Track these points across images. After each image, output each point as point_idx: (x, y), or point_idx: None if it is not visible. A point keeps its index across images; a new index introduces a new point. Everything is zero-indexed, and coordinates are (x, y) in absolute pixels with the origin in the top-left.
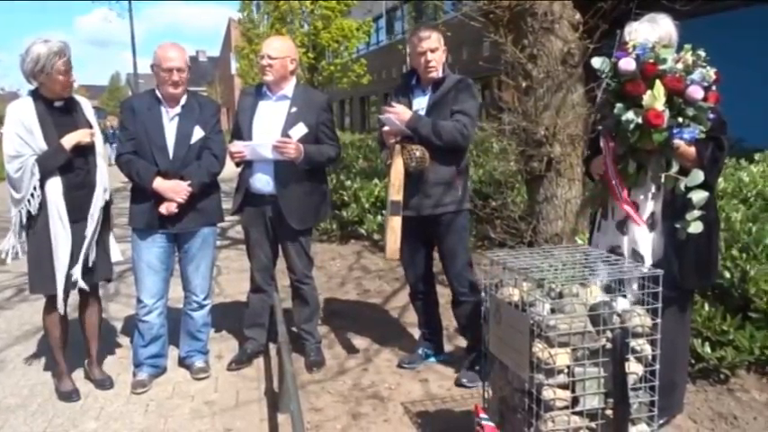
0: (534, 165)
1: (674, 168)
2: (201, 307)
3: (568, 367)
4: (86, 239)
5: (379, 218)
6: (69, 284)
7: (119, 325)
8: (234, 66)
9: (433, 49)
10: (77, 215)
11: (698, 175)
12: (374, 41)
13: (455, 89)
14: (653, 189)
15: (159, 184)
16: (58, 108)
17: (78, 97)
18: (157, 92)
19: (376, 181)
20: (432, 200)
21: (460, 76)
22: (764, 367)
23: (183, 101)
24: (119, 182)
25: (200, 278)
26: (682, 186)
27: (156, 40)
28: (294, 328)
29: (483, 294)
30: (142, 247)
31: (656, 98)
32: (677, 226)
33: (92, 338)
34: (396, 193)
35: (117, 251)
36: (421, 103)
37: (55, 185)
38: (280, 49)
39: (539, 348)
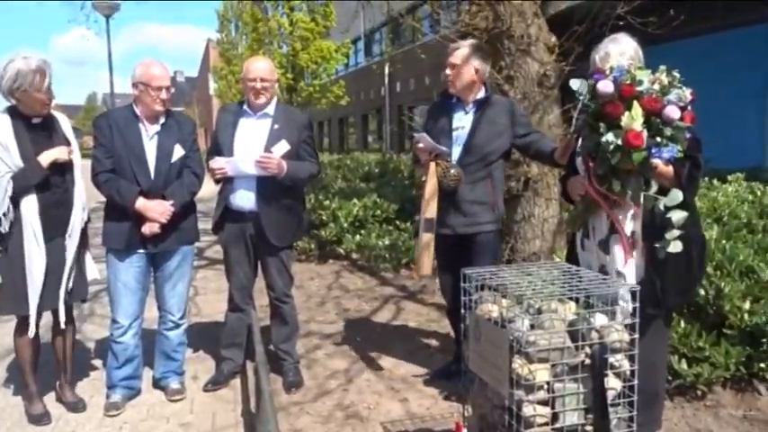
0: (512, 184)
1: (653, 188)
2: (177, 326)
3: (548, 383)
4: (67, 260)
5: (358, 237)
6: (43, 305)
7: (92, 346)
8: (212, 86)
9: (453, 64)
10: (53, 233)
11: (677, 195)
12: (353, 63)
13: (506, 111)
14: (632, 209)
15: (142, 204)
16: (35, 125)
17: (57, 114)
18: (136, 109)
19: (355, 200)
20: (468, 218)
21: (504, 97)
22: (740, 383)
23: (162, 119)
24: (95, 201)
25: (177, 297)
26: (661, 206)
27: (133, 60)
28: (272, 348)
29: (462, 311)
30: (119, 268)
31: (634, 119)
32: (657, 245)
33: (65, 360)
34: (429, 211)
35: (94, 270)
36: (462, 120)
37: (30, 203)
38: (271, 71)
39: (518, 364)
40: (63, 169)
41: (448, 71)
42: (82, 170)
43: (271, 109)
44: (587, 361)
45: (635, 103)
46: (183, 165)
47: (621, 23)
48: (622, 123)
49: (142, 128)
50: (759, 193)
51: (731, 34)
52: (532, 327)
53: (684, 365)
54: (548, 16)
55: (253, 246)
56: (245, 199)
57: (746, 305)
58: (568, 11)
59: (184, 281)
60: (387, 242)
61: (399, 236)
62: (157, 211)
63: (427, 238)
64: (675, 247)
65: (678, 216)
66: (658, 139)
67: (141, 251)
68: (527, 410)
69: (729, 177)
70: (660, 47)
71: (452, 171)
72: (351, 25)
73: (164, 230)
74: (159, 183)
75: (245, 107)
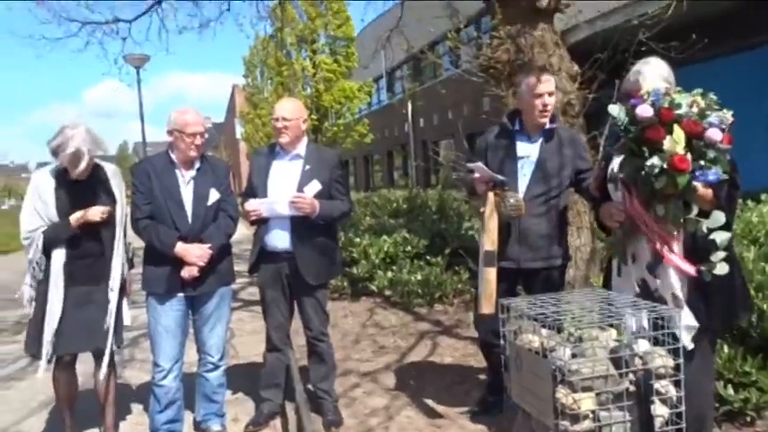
0: None
1: (694, 211)
2: (217, 368)
3: (593, 412)
4: (109, 309)
5: (389, 273)
6: (59, 348)
7: (133, 390)
8: (239, 130)
9: (551, 92)
10: (81, 282)
11: (719, 217)
12: (376, 101)
13: (573, 143)
14: (674, 233)
15: (181, 248)
16: (78, 182)
17: (107, 166)
18: (172, 155)
19: (385, 237)
20: (535, 252)
21: (568, 128)
22: None
23: (197, 164)
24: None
25: (216, 338)
26: (704, 228)
27: (163, 108)
28: (311, 387)
29: (502, 342)
30: (160, 312)
31: (676, 142)
32: (702, 269)
33: (107, 405)
34: (490, 244)
35: (128, 317)
36: (527, 150)
37: (59, 255)
38: (293, 110)
39: (562, 394)
40: (97, 224)
41: (547, 99)
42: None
43: (302, 149)
44: (632, 388)
45: (675, 126)
46: (218, 208)
47: (644, 49)
48: (665, 147)
49: (179, 173)
50: None
51: (754, 53)
52: (574, 355)
53: (731, 391)
54: (568, 45)
55: (289, 285)
56: (280, 239)
57: None
58: (589, 39)
59: (222, 322)
60: (419, 277)
61: (431, 271)
62: (196, 254)
63: (489, 272)
64: (722, 269)
65: (722, 237)
66: (702, 162)
67: (181, 294)
68: None
69: (762, 197)
70: (681, 69)
71: (512, 200)
72: (370, 63)
73: (202, 273)
74: (197, 226)
75: (277, 149)
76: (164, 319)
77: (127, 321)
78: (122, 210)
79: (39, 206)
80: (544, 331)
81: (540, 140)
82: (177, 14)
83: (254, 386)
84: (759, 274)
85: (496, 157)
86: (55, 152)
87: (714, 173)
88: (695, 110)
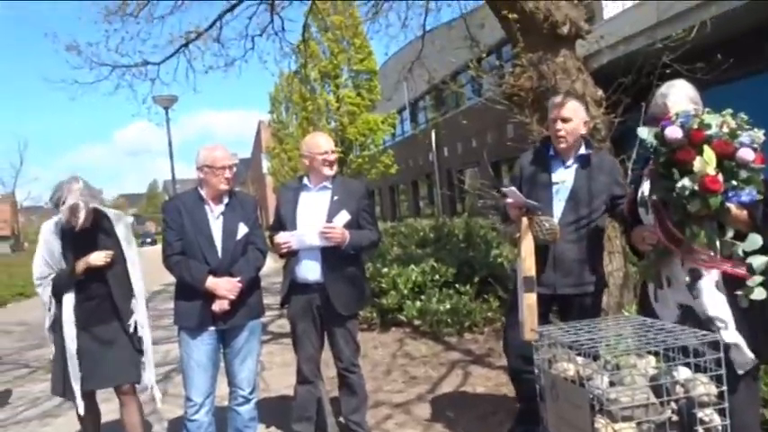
0: None
1: (730, 234)
2: (248, 401)
3: None
4: (145, 347)
5: (418, 303)
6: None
7: (165, 426)
8: (265, 165)
9: (564, 118)
10: (91, 321)
11: (756, 240)
12: (399, 132)
13: (608, 169)
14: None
15: (212, 282)
16: (82, 230)
17: (113, 213)
18: (201, 192)
19: (412, 266)
20: (571, 278)
21: (606, 153)
22: None
23: (225, 199)
24: (158, 284)
25: (247, 371)
26: (740, 252)
27: (190, 146)
28: (342, 420)
29: (536, 371)
30: (192, 346)
31: (707, 163)
32: (738, 293)
33: None
34: (528, 269)
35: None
36: (562, 176)
37: (69, 299)
38: (332, 143)
39: (601, 424)
40: (103, 267)
41: (560, 125)
42: (141, 258)
43: (329, 181)
44: (675, 417)
45: (705, 147)
46: (247, 241)
47: (668, 71)
48: (695, 168)
49: (208, 209)
50: None
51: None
52: (612, 384)
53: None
54: (591, 71)
55: (320, 317)
56: (310, 271)
57: None
58: (612, 63)
59: (253, 355)
60: (448, 306)
61: (460, 299)
62: (226, 288)
63: (529, 297)
64: (760, 294)
65: (759, 261)
66: (734, 182)
67: (212, 328)
68: None
69: None
70: (710, 90)
71: (547, 225)
72: (393, 95)
73: (232, 307)
74: (226, 261)
75: (305, 182)
76: (195, 353)
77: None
78: (132, 251)
79: (47, 255)
80: (580, 359)
81: (576, 166)
82: (204, 55)
83: (285, 419)
84: None
85: (531, 183)
86: (56, 205)
87: (748, 193)
88: (726, 130)
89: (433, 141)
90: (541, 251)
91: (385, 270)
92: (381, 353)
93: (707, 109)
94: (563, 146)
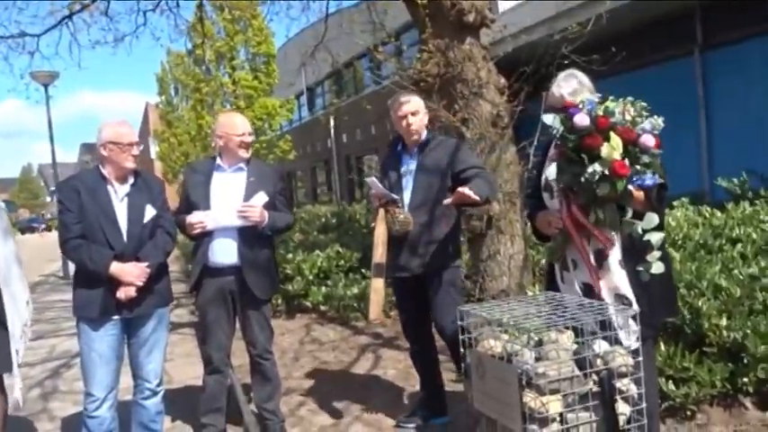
0: (475, 223)
1: (629, 214)
2: (155, 394)
3: (561, 414)
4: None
5: (324, 289)
6: None
7: (58, 424)
8: (153, 150)
9: (413, 112)
10: None
11: (653, 218)
12: (297, 117)
13: (448, 150)
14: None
15: (117, 268)
16: None
17: None
18: (103, 171)
19: (318, 252)
20: (423, 259)
21: (449, 137)
22: (726, 400)
23: (131, 179)
24: (38, 275)
25: (154, 363)
26: (639, 230)
27: (71, 129)
28: (254, 409)
29: (462, 350)
30: (93, 338)
31: (614, 149)
32: (639, 269)
33: None
34: (379, 256)
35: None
36: (409, 164)
37: None
38: (249, 126)
39: (530, 398)
40: None
41: (411, 119)
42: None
43: (244, 163)
44: (595, 388)
45: (611, 133)
46: (155, 225)
47: (566, 62)
48: (603, 154)
49: (111, 190)
50: (708, 215)
51: (664, 67)
52: (538, 359)
53: (672, 386)
54: (496, 60)
55: (233, 302)
56: (225, 253)
57: (723, 322)
58: (514, 53)
59: (161, 345)
60: (355, 291)
61: (367, 284)
62: (133, 274)
63: (376, 282)
64: (658, 268)
65: (657, 237)
66: (637, 167)
67: (116, 318)
68: None
69: (674, 203)
70: (604, 81)
71: (401, 216)
72: (294, 79)
73: (139, 294)
74: (132, 245)
75: (217, 162)
76: (97, 344)
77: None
78: (8, 248)
79: None
80: (504, 336)
81: (418, 154)
82: (90, 29)
83: (190, 412)
84: (687, 274)
85: (387, 176)
86: None
87: (650, 177)
88: (628, 117)
89: (331, 127)
90: (400, 239)
91: (290, 256)
92: (289, 339)
93: (611, 96)
94: (415, 138)
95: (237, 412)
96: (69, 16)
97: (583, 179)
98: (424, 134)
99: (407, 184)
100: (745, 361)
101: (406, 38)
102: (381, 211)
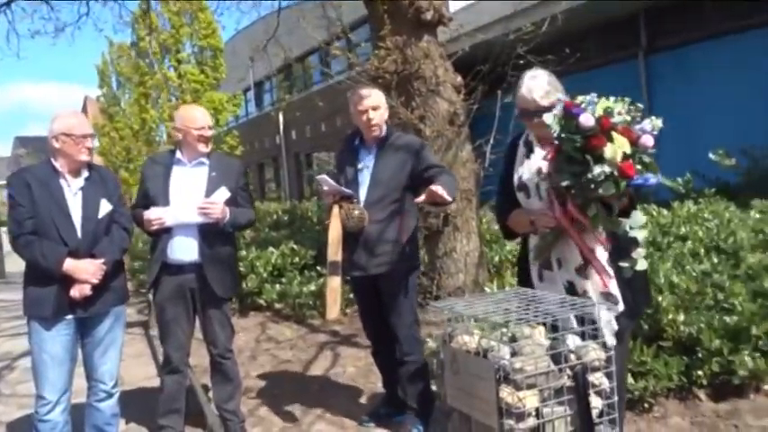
0: (432, 221)
1: (616, 212)
2: (110, 396)
3: (536, 409)
4: None
5: (278, 286)
6: None
7: (2, 430)
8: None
9: (374, 107)
10: None
11: (640, 217)
12: (245, 113)
13: (407, 147)
14: (602, 236)
15: (72, 265)
16: None
17: None
18: (56, 164)
19: (272, 249)
20: (378, 258)
21: (408, 134)
22: (682, 392)
23: (85, 172)
24: None
25: (109, 363)
26: (627, 228)
27: (4, 121)
28: (214, 410)
29: (436, 345)
30: (45, 338)
31: (618, 149)
32: (624, 265)
33: None
34: (334, 254)
35: None
36: (366, 160)
37: None
38: (209, 118)
39: (507, 393)
40: None
41: (372, 114)
42: None
43: (205, 157)
44: (569, 383)
45: (614, 134)
46: (110, 220)
47: (522, 62)
48: (607, 155)
49: (64, 183)
50: (655, 213)
51: (611, 69)
52: (513, 354)
53: (631, 380)
54: (453, 58)
55: (192, 300)
56: (185, 250)
57: (681, 317)
58: (470, 52)
59: (116, 345)
60: (312, 288)
61: (323, 282)
62: (88, 271)
63: (333, 281)
64: (642, 264)
65: (643, 235)
66: (638, 167)
67: (69, 317)
68: None
69: None
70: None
71: (356, 213)
72: (245, 74)
73: (94, 292)
74: (87, 241)
75: (177, 156)
76: (50, 345)
77: None
78: None
79: None
80: (477, 332)
81: (377, 150)
82: (29, 17)
83: (145, 413)
84: None
85: (343, 172)
86: None
87: (653, 177)
88: (628, 117)
89: (280, 124)
90: (356, 236)
91: (243, 253)
92: (244, 338)
93: (595, 94)
94: (376, 133)
95: (196, 413)
96: (7, 4)
97: (584, 179)
98: (384, 129)
99: (364, 179)
100: (700, 355)
101: (358, 34)
102: (335, 208)
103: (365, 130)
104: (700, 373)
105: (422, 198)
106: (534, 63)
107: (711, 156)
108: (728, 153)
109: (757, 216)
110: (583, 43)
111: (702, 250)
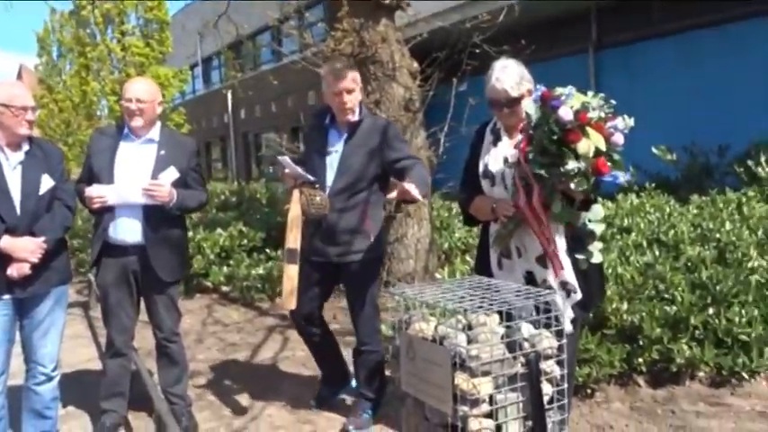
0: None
1: (577, 205)
2: (50, 379)
3: (491, 395)
4: None
5: (225, 268)
6: None
7: None
8: None
9: (349, 89)
10: None
11: (599, 210)
12: (192, 90)
13: (379, 133)
14: (560, 227)
15: (9, 242)
16: None
17: None
18: None
19: (219, 230)
20: (341, 247)
21: (380, 118)
22: (622, 378)
23: (25, 146)
24: None
25: (50, 346)
26: (586, 221)
27: None
28: (160, 393)
29: (392, 332)
30: None
31: (591, 146)
32: (580, 257)
33: None
34: (292, 241)
35: None
36: (336, 144)
37: None
38: (148, 92)
39: (462, 379)
40: None
41: (346, 97)
42: None
43: (155, 134)
44: (522, 370)
45: (589, 129)
46: (52, 197)
47: (478, 51)
48: (581, 150)
49: (2, 157)
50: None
51: (563, 62)
52: (469, 341)
53: (576, 367)
54: (410, 45)
55: (136, 283)
56: (129, 231)
57: (624, 306)
58: (427, 38)
59: (57, 327)
60: (260, 271)
61: (274, 265)
62: (28, 249)
63: (289, 270)
64: (598, 257)
65: (601, 228)
66: (609, 164)
67: (7, 297)
68: (473, 425)
69: None
70: None
71: (317, 199)
72: (196, 50)
73: (34, 271)
74: (27, 218)
75: (125, 131)
76: None
77: None
78: None
79: None
80: (433, 319)
81: (347, 134)
82: None
83: (84, 396)
84: None
85: (310, 153)
86: None
87: (623, 175)
88: (602, 114)
89: (229, 102)
90: (318, 223)
91: (190, 234)
92: (190, 320)
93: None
94: (349, 117)
95: (141, 398)
96: None
97: (556, 172)
98: (358, 113)
99: (332, 163)
100: (641, 343)
101: (311, 14)
102: (296, 193)
103: (338, 113)
104: (640, 360)
105: (393, 195)
106: (490, 52)
107: (654, 150)
108: (670, 149)
109: (695, 211)
110: (537, 35)
111: (645, 242)
